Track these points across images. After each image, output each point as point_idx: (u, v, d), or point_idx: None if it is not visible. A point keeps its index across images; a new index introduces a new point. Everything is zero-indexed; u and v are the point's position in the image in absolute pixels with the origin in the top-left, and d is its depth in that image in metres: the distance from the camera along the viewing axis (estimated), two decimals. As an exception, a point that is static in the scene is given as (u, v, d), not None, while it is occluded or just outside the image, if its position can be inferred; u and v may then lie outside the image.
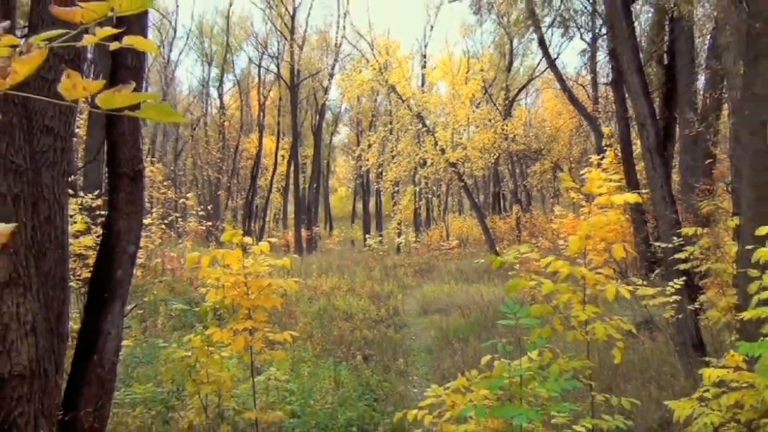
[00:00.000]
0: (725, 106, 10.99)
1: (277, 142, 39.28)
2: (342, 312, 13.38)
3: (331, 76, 35.73)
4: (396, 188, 35.34)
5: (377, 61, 28.00)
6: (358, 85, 29.91)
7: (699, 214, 9.70)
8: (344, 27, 33.66)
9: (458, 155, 27.69)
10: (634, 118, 10.01)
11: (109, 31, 0.86)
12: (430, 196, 37.80)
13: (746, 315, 3.77)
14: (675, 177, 13.13)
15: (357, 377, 8.50)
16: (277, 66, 36.84)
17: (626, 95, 11.69)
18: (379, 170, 33.66)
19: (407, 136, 30.27)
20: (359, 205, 44.64)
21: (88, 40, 0.87)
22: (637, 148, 13.09)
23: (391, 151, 31.46)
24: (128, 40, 0.88)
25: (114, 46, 0.87)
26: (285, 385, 6.91)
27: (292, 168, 34.96)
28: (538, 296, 4.25)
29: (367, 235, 33.30)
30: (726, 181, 10.32)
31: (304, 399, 7.31)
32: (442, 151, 26.78)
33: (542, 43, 20.76)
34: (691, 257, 7.13)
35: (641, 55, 10.41)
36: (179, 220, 21.81)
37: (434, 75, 36.41)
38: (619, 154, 14.10)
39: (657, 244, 8.30)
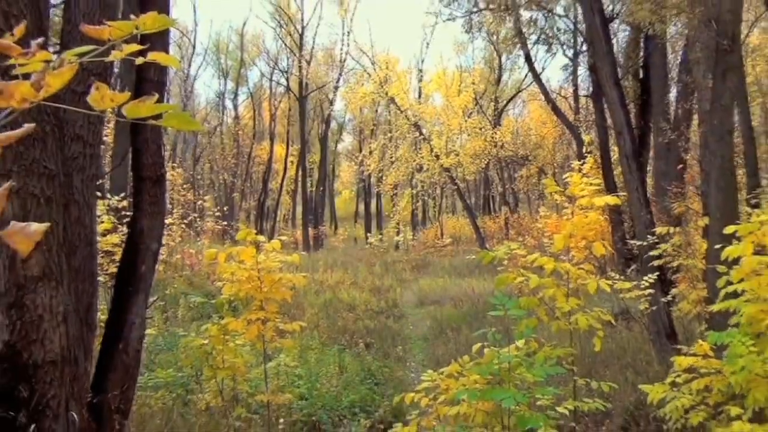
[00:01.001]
0: (695, 116, 10.98)
1: (287, 148, 39.27)
2: (346, 304, 13.36)
3: (336, 88, 35.71)
4: (395, 191, 35.33)
5: (378, 76, 27.99)
6: (361, 97, 29.92)
7: (671, 214, 9.69)
8: (348, 44, 33.58)
9: (452, 161, 27.68)
10: (612, 127, 10.00)
11: (134, 47, 0.86)
12: (426, 198, 37.79)
13: (715, 307, 3.76)
14: (649, 181, 13.12)
15: (359, 363, 8.49)
16: (287, 80, 36.81)
17: (605, 106, 11.67)
18: (380, 174, 33.61)
19: (405, 144, 30.27)
20: (361, 207, 44.57)
21: (115, 56, 0.86)
22: (614, 154, 13.07)
23: (391, 157, 31.44)
24: (152, 56, 0.88)
25: (139, 61, 0.87)
26: (294, 370, 6.89)
27: (300, 172, 34.92)
28: (526, 289, 4.24)
29: (368, 234, 33.28)
30: (696, 185, 10.31)
31: (311, 383, 7.29)
32: (437, 157, 26.78)
33: (528, 59, 20.75)
34: (664, 254, 7.12)
35: (619, 70, 10.41)
36: (197, 220, 21.78)
37: (430, 88, 36.43)
38: (599, 160, 14.07)
39: (633, 242, 8.29)
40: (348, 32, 33.88)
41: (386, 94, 27.25)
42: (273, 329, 5.32)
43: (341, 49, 34.59)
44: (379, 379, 7.97)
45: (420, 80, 36.16)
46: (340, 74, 35.29)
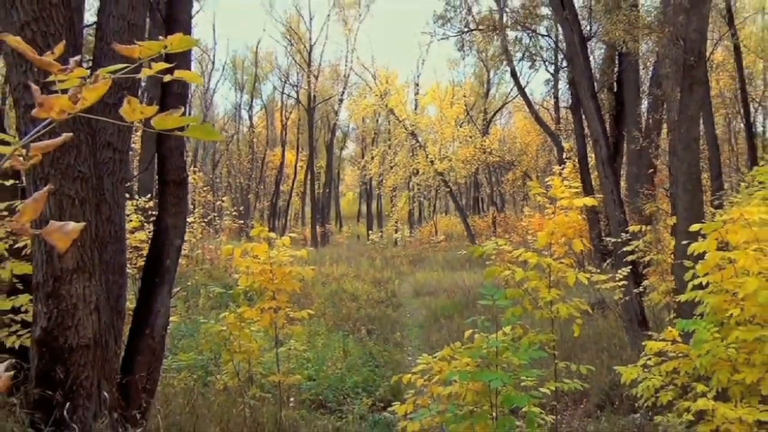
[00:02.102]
0: (665, 125, 10.96)
1: (297, 155, 39.23)
2: (349, 294, 13.36)
3: (341, 101, 35.63)
4: (394, 193, 35.27)
5: (378, 89, 27.98)
6: (363, 108, 29.91)
7: (643, 214, 9.67)
8: (352, 61, 33.48)
9: (445, 166, 27.65)
10: (590, 135, 9.99)
11: (162, 65, 0.86)
12: (422, 199, 37.74)
13: (682, 298, 3.75)
14: (623, 184, 13.10)
15: (362, 348, 8.49)
16: (297, 93, 36.74)
17: (583, 117, 11.66)
18: (380, 178, 33.57)
19: (403, 150, 30.24)
20: (364, 207, 44.49)
21: (146, 73, 0.87)
22: (591, 160, 13.04)
23: (390, 163, 31.41)
24: (178, 74, 0.88)
25: (167, 78, 0.87)
26: (303, 354, 6.89)
27: (308, 176, 34.85)
28: (512, 281, 4.24)
29: (370, 232, 33.22)
30: (665, 187, 10.29)
31: (319, 365, 7.29)
32: (432, 162, 26.76)
33: (514, 74, 20.71)
34: (637, 250, 7.11)
35: (595, 84, 10.40)
36: (216, 218, 21.74)
37: (425, 100, 36.33)
38: (577, 165, 14.05)
39: (608, 239, 8.28)
40: (352, 50, 33.79)
41: (386, 106, 27.25)
42: (284, 317, 5.32)
43: (346, 65, 34.52)
44: (379, 362, 7.97)
45: (416, 93, 36.08)
46: (345, 88, 35.21)
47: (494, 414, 3.51)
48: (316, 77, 34.09)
